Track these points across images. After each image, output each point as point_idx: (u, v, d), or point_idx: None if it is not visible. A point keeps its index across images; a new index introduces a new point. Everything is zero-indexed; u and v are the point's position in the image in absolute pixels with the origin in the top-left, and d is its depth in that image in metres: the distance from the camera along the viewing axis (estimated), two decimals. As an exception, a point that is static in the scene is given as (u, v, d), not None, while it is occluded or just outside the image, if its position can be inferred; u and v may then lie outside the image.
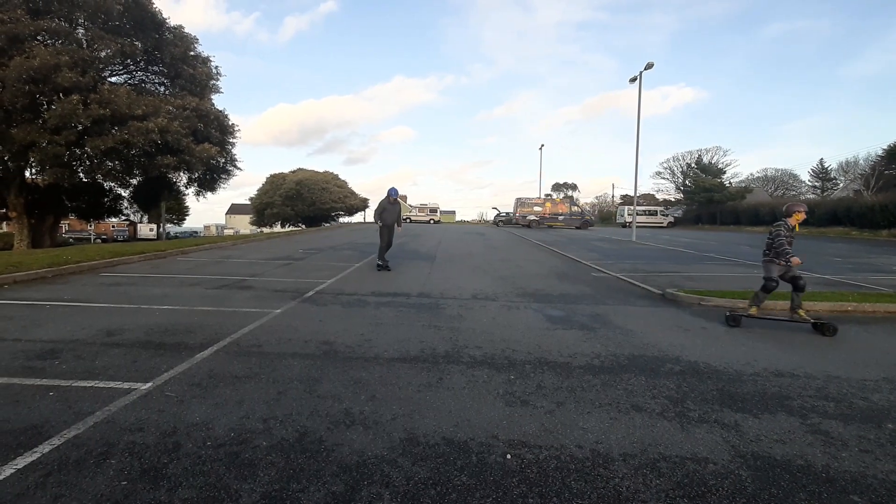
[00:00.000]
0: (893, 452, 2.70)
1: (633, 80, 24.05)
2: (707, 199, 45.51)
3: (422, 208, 52.06)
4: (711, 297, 7.17)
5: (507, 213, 42.29)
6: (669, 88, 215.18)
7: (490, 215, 54.09)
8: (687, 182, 51.67)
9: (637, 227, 25.62)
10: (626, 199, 56.09)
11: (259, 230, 50.60)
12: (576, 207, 40.51)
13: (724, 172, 50.12)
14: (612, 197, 72.22)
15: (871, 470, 2.51)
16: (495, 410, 3.23)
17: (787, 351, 4.77)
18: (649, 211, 46.63)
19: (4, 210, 23.20)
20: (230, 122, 24.95)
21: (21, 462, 2.45)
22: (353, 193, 54.51)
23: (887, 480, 2.40)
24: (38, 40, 18.51)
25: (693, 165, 52.50)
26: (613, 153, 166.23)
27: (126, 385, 3.50)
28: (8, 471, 2.37)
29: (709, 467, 2.51)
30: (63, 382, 3.53)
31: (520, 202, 38.81)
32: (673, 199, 57.46)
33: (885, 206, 27.93)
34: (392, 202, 10.55)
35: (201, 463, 2.48)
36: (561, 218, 37.56)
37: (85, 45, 19.62)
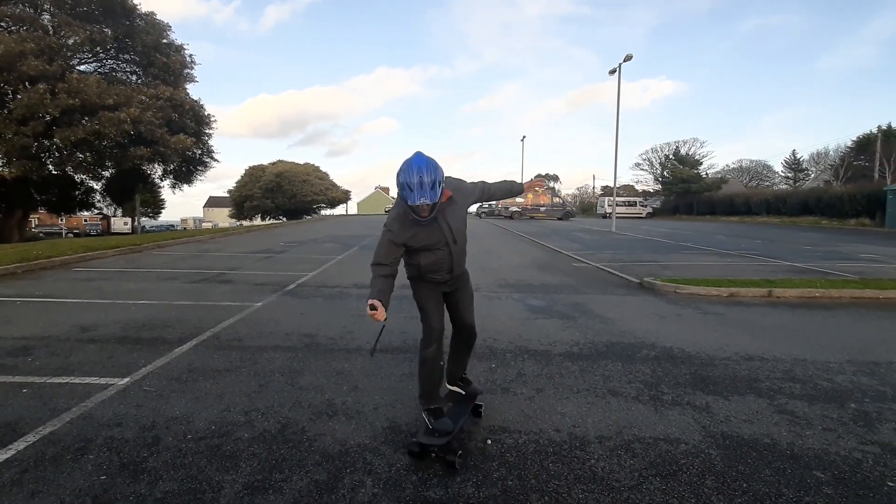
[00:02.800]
0: (855, 430, 2.85)
1: (612, 71, 24.26)
2: (684, 189, 46.44)
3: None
4: (687, 286, 7.37)
5: (491, 205, 42.41)
6: (650, 81, 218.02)
7: (473, 207, 54.14)
8: (665, 173, 52.55)
9: (617, 217, 26.03)
10: (607, 191, 56.88)
11: (238, 223, 49.72)
12: (557, 199, 40.89)
13: (701, 164, 51.12)
14: (593, 188, 73.13)
15: (834, 447, 2.65)
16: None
17: (758, 336, 4.95)
18: (629, 202, 47.33)
19: (-32, 204, 22.28)
20: (206, 113, 24.34)
21: (-6, 460, 2.40)
22: (334, 186, 53.96)
23: (849, 457, 2.54)
24: (1, 26, 17.71)
25: (671, 157, 53.39)
26: (595, 145, 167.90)
27: (103, 381, 3.45)
28: (-19, 469, 2.32)
29: (680, 447, 2.61)
30: (37, 379, 3.46)
31: (502, 193, 38.96)
32: (652, 190, 58.43)
33: (854, 195, 28.98)
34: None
35: (182, 456, 2.48)
36: (543, 209, 37.88)
37: (51, 32, 18.86)
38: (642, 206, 47.31)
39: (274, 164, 52.85)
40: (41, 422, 2.81)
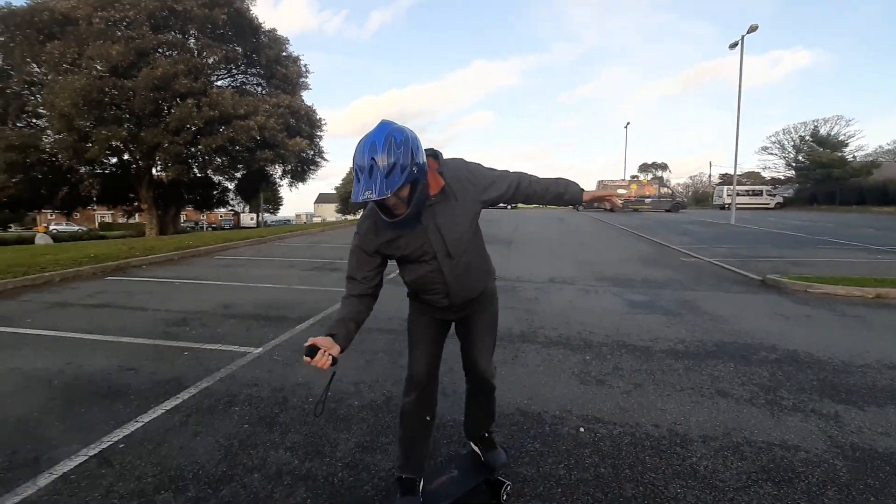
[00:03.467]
0: None
1: (733, 45, 21.75)
2: (824, 175, 40.02)
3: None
4: (821, 284, 6.47)
5: (588, 196, 40.53)
6: (781, 52, 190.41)
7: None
8: (800, 157, 45.79)
9: (738, 208, 23.36)
10: (726, 179, 50.99)
11: (343, 217, 53.71)
12: (665, 189, 37.84)
13: (846, 145, 43.57)
14: (709, 176, 66.08)
15: None
16: (569, 387, 3.30)
17: (912, 344, 4.23)
18: (753, 191, 42.09)
19: (137, 203, 26.99)
20: (318, 117, 26.64)
21: (168, 405, 3.00)
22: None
23: None
24: (159, 52, 21.10)
25: (808, 138, 46.26)
26: (711, 128, 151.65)
27: (242, 349, 4.07)
28: (160, 411, 2.92)
29: (799, 455, 2.39)
30: (194, 345, 4.19)
31: (602, 185, 37.13)
32: (783, 177, 51.23)
33: None
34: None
35: (305, 415, 2.87)
36: (648, 201, 35.33)
37: (196, 54, 22.02)
38: (770, 194, 41.81)
39: (375, 161, 56.07)
40: (199, 378, 3.43)
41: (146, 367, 3.65)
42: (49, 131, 20.87)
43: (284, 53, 25.22)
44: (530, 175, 1.90)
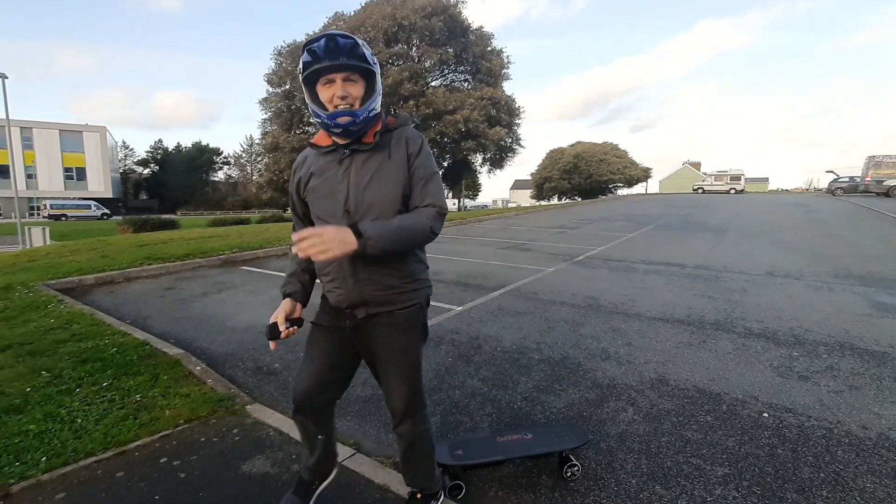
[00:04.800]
0: None
1: None
2: None
3: (720, 176, 44.30)
4: None
5: (852, 178, 31.37)
6: None
7: (824, 182, 40.87)
8: None
9: None
10: None
11: (537, 203, 54.35)
12: None
13: None
14: None
15: None
16: (762, 377, 3.11)
17: None
18: None
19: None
20: (517, 106, 27.68)
21: (397, 337, 4.02)
22: (633, 164, 51.56)
23: None
24: (390, 63, 25.06)
25: None
26: None
27: (447, 306, 4.98)
28: (392, 340, 3.95)
29: None
30: (412, 299, 5.31)
31: (873, 162, 28.45)
32: None
33: None
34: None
35: (493, 359, 3.50)
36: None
37: (416, 60, 25.36)
38: None
39: (573, 145, 54.79)
40: (417, 323, 4.42)
41: (382, 310, 4.87)
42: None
43: (489, 48, 26.88)
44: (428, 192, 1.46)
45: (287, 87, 27.44)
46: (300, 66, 1.37)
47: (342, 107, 1.36)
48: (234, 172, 67.64)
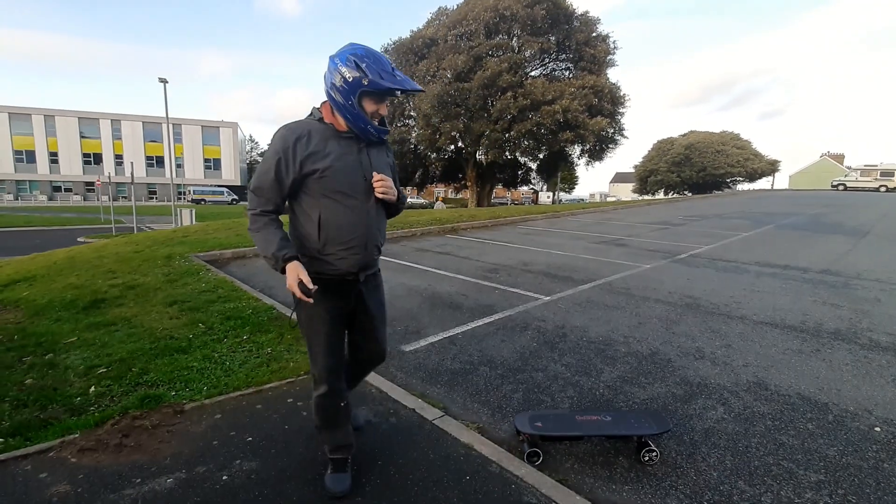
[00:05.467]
0: None
1: None
2: None
3: (867, 171, 37.65)
4: None
5: None
6: None
7: None
8: None
9: None
10: None
11: (639, 198, 50.88)
12: None
13: None
14: None
15: None
16: (881, 392, 2.82)
17: None
18: None
19: (464, 180, 33.41)
20: (621, 94, 26.12)
21: (485, 320, 4.25)
22: (756, 155, 45.98)
23: None
24: (489, 55, 25.15)
25: None
26: None
27: (534, 295, 5.09)
28: (480, 323, 4.18)
29: None
30: (501, 287, 5.50)
31: None
32: None
33: None
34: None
35: (578, 348, 3.57)
36: None
37: (516, 51, 25.11)
38: None
39: (685, 135, 50.31)
40: (504, 309, 4.61)
41: (472, 295, 5.13)
42: (415, 128, 28.24)
43: (594, 34, 25.66)
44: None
45: (391, 82, 28.88)
46: (369, 75, 1.56)
47: (377, 121, 1.71)
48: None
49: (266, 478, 1.94)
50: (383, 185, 1.70)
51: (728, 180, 46.94)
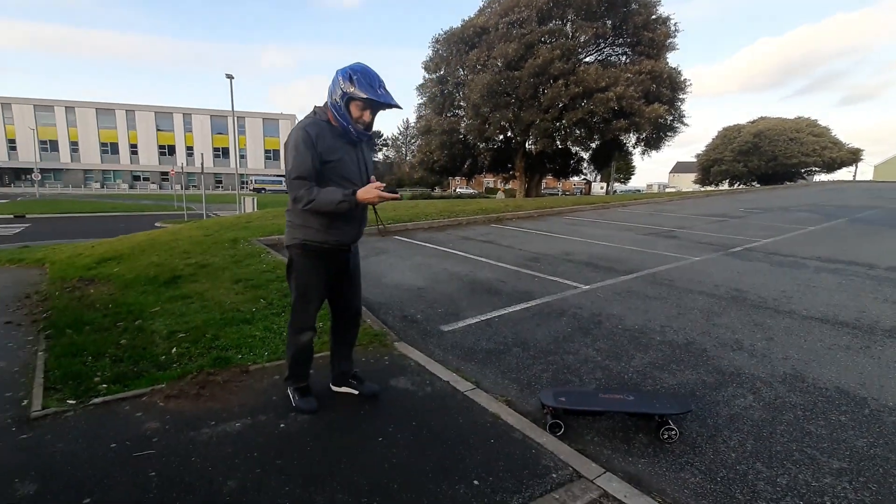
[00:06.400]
0: None
1: None
2: None
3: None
4: None
5: None
6: None
7: None
8: None
9: None
10: None
11: (701, 189, 48.15)
12: None
13: None
14: None
15: None
16: (935, 391, 2.71)
17: None
18: None
19: (512, 170, 33.13)
20: (682, 79, 24.79)
21: (522, 306, 4.39)
22: (835, 143, 42.15)
23: None
24: (542, 42, 24.65)
25: None
26: None
27: (573, 283, 5.16)
28: (517, 308, 4.33)
29: None
30: (541, 275, 5.60)
31: None
32: None
33: None
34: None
35: (612, 335, 3.65)
36: None
37: (570, 36, 24.44)
38: None
39: (754, 122, 46.92)
40: (542, 296, 4.72)
41: (511, 282, 5.27)
42: (464, 118, 28.29)
43: (653, 17, 24.45)
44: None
45: (441, 72, 29.04)
46: (355, 87, 2.01)
47: (362, 126, 2.15)
48: (391, 153, 74.07)
49: (316, 428, 2.24)
50: (380, 197, 2.05)
51: (802, 171, 43.40)
